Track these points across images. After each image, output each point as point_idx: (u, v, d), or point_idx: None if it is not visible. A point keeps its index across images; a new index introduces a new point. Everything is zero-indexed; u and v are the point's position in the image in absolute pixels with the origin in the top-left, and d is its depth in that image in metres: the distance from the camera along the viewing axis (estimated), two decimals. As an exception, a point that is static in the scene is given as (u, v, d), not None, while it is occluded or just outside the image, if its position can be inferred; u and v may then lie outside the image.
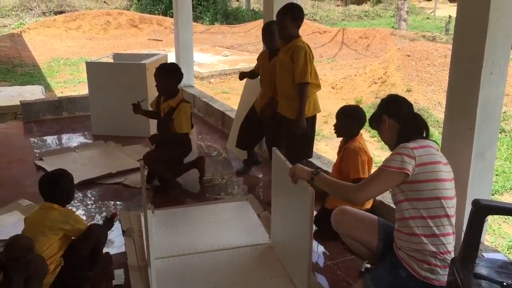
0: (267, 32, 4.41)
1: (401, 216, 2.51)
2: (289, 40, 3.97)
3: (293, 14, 3.93)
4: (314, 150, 4.38)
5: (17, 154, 5.47)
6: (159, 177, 4.59)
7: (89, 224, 3.20)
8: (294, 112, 3.93)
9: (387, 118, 2.64)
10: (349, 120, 3.65)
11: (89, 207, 4.25)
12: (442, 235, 2.45)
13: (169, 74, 4.32)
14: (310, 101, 4.00)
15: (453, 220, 2.51)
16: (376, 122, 2.73)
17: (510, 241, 4.61)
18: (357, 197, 2.47)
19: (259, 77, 4.66)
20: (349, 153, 3.59)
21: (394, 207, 2.59)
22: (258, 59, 4.70)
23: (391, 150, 2.59)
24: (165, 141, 4.42)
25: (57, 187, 3.08)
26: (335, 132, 3.75)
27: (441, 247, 2.45)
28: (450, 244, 2.50)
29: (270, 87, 4.36)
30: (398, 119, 2.62)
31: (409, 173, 2.38)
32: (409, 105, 2.70)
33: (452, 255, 2.51)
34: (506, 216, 4.91)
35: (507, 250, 4.46)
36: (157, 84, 4.35)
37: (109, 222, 3.38)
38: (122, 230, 3.73)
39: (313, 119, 4.11)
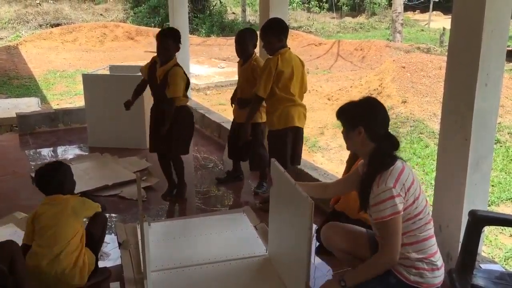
0: (237, 41, 4.47)
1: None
2: (273, 53, 4.04)
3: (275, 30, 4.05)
4: (311, 161, 4.38)
5: (12, 166, 5.45)
6: (177, 173, 4.59)
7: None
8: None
9: (363, 131, 2.49)
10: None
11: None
12: (425, 239, 2.47)
13: (173, 38, 4.29)
14: (281, 113, 4.05)
15: (432, 222, 2.52)
16: (347, 125, 2.56)
17: (507, 252, 4.60)
18: (390, 258, 2.40)
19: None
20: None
21: None
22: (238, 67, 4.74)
23: (359, 155, 2.61)
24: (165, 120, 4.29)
25: (58, 176, 3.13)
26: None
27: (426, 251, 2.46)
28: (434, 245, 2.51)
29: (242, 93, 4.51)
30: (375, 138, 2.49)
31: (402, 212, 2.37)
32: (388, 121, 2.58)
33: (438, 254, 2.52)
34: (503, 227, 4.91)
35: (504, 261, 4.46)
36: (158, 46, 4.27)
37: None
38: (118, 243, 3.70)
39: (285, 131, 4.12)
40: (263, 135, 4.55)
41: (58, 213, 3.03)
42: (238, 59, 4.66)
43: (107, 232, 3.97)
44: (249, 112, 4.19)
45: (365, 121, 2.49)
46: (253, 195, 4.71)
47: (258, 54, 4.59)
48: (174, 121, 4.28)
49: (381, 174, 2.40)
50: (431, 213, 2.54)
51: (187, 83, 4.40)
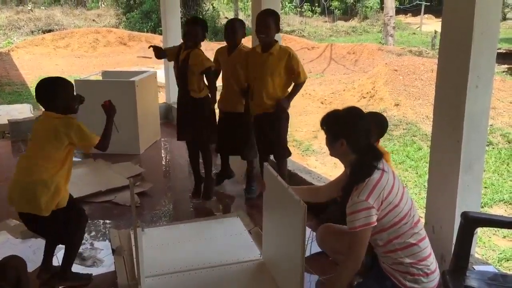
0: (231, 28, 4.50)
1: (375, 243, 2.54)
2: (271, 45, 4.15)
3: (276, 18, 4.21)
4: (305, 164, 4.39)
5: (4, 173, 5.42)
6: (206, 165, 4.65)
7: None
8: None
9: (344, 143, 2.50)
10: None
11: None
12: (416, 243, 2.48)
13: (202, 26, 4.40)
14: None
15: (421, 223, 2.54)
16: (330, 136, 2.58)
17: (500, 254, 4.62)
18: (353, 264, 2.44)
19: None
20: None
21: None
22: (216, 57, 4.72)
23: (342, 164, 2.63)
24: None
25: (54, 92, 3.06)
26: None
27: (418, 255, 2.47)
28: (427, 248, 2.52)
29: (237, 82, 4.49)
30: (357, 150, 2.51)
31: (375, 223, 2.40)
32: (368, 132, 2.59)
33: (432, 257, 2.53)
34: (496, 228, 4.93)
35: (498, 262, 4.47)
36: (187, 32, 4.35)
37: (109, 111, 3.35)
38: (112, 249, 3.69)
39: None
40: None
41: (41, 129, 3.08)
42: None
43: (101, 238, 3.97)
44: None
45: (347, 133, 2.51)
46: (245, 197, 4.72)
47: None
48: (201, 110, 4.42)
49: (357, 186, 2.43)
50: (416, 216, 2.54)
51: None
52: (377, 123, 3.29)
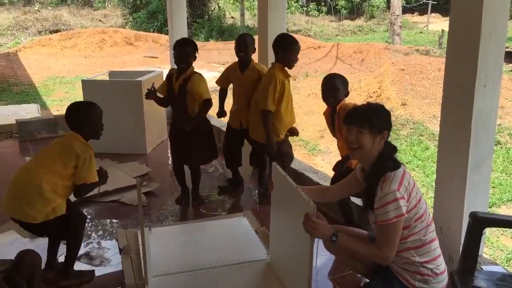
0: (243, 43, 4.45)
1: None
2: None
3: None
4: (311, 164, 4.39)
5: (12, 173, 5.40)
6: (194, 181, 4.62)
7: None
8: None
9: (386, 135, 2.50)
10: (343, 88, 3.67)
11: (86, 225, 4.22)
12: (429, 242, 2.47)
13: (192, 46, 4.32)
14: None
15: (433, 223, 2.53)
16: (373, 129, 2.46)
17: (509, 254, 4.60)
18: (386, 257, 2.41)
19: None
20: (344, 111, 3.52)
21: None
22: (226, 75, 4.72)
23: (360, 159, 2.57)
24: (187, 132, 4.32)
25: (81, 115, 3.19)
26: (328, 102, 3.74)
27: (430, 254, 2.46)
28: (437, 248, 2.51)
29: (248, 99, 4.46)
30: (386, 141, 2.52)
31: (406, 214, 2.37)
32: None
33: (441, 258, 2.51)
34: (504, 229, 4.91)
35: (506, 262, 4.45)
36: (178, 54, 4.26)
37: (102, 176, 3.36)
38: (119, 248, 3.70)
39: None
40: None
41: (59, 143, 3.19)
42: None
43: (108, 238, 3.98)
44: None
45: (389, 124, 2.54)
46: (256, 198, 4.74)
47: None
48: (202, 131, 4.39)
49: (384, 177, 2.41)
50: (431, 215, 2.54)
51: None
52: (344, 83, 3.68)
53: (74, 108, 3.26)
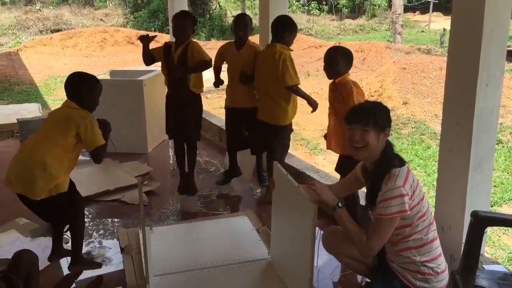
0: (243, 22, 4.48)
1: (390, 239, 2.48)
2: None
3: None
4: (312, 163, 4.39)
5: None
6: (191, 162, 4.69)
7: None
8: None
9: (388, 132, 2.51)
10: (342, 60, 3.64)
11: (87, 224, 4.22)
12: (431, 242, 2.46)
13: (191, 19, 4.36)
14: (294, 106, 4.34)
15: (435, 222, 2.52)
16: (377, 126, 2.46)
17: (510, 253, 4.59)
18: (370, 249, 2.41)
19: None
20: (342, 87, 3.59)
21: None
22: (221, 53, 4.70)
23: (363, 158, 2.56)
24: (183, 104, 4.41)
25: (79, 86, 3.19)
26: (328, 74, 3.74)
27: (431, 254, 2.46)
28: (438, 247, 2.51)
29: (240, 78, 4.44)
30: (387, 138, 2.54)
31: (408, 212, 2.36)
32: None
33: (442, 257, 2.51)
34: (505, 228, 4.90)
35: (508, 261, 4.44)
36: (178, 29, 4.30)
37: (105, 126, 3.38)
38: (121, 248, 3.70)
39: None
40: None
41: (55, 115, 3.20)
42: None
43: (109, 237, 3.99)
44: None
45: (390, 121, 2.54)
46: (253, 195, 4.74)
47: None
48: (193, 107, 4.44)
49: (389, 174, 2.40)
50: (433, 214, 2.53)
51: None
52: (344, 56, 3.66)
53: (79, 78, 3.24)
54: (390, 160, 2.45)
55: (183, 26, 4.29)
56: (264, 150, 4.63)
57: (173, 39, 4.50)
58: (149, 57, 4.50)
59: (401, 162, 2.46)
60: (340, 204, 2.50)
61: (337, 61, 3.63)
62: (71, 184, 3.31)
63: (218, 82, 4.69)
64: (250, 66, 4.40)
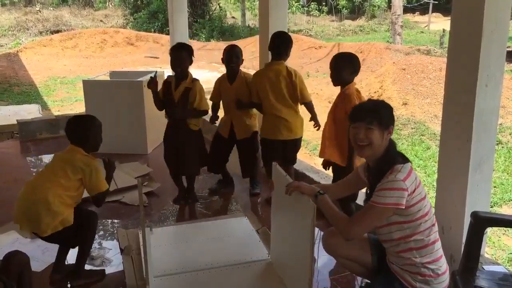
0: (235, 55, 4.49)
1: (390, 238, 2.49)
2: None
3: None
4: (312, 164, 4.40)
5: (14, 173, 5.45)
6: (190, 183, 4.70)
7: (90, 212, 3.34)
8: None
9: (392, 130, 2.51)
10: (347, 68, 3.63)
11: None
12: (432, 243, 2.46)
13: (187, 50, 4.36)
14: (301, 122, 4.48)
15: (436, 224, 2.52)
16: (381, 125, 2.46)
17: (510, 253, 4.59)
18: (349, 232, 2.41)
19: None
20: (346, 96, 3.57)
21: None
22: (217, 88, 4.72)
23: (366, 156, 2.54)
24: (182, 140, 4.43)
25: (80, 130, 3.23)
26: (333, 80, 3.73)
27: (432, 255, 2.45)
28: (440, 249, 2.50)
29: (237, 106, 4.49)
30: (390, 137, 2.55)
31: (403, 207, 2.35)
32: None
33: (443, 258, 2.50)
34: (505, 228, 4.90)
35: (508, 262, 4.44)
36: (175, 62, 4.29)
37: (110, 167, 3.45)
38: (120, 249, 3.70)
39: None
40: (258, 143, 4.66)
41: (61, 158, 3.23)
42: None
43: (109, 238, 3.98)
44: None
45: (393, 120, 2.54)
46: (252, 197, 4.74)
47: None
48: (193, 145, 4.45)
49: (392, 169, 2.40)
50: (434, 216, 2.53)
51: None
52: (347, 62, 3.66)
53: (76, 122, 3.29)
54: (394, 158, 2.46)
55: (180, 59, 4.29)
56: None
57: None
58: (160, 102, 4.49)
59: (405, 160, 2.47)
60: (321, 191, 2.55)
61: (341, 68, 3.63)
62: (79, 207, 3.31)
63: (214, 119, 4.74)
64: (244, 95, 4.47)
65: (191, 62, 4.38)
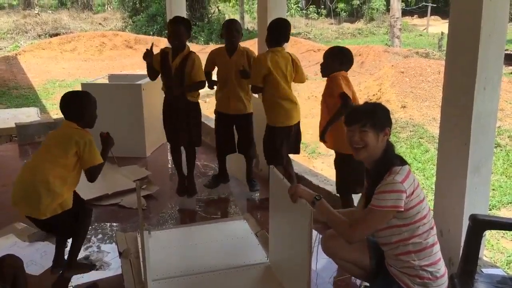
0: (235, 29, 4.49)
1: (388, 241, 2.49)
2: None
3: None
4: (311, 167, 4.40)
5: (12, 177, 5.37)
6: (190, 166, 4.73)
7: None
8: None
9: (388, 132, 2.52)
10: (334, 59, 3.69)
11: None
12: (431, 246, 2.46)
13: (185, 25, 4.36)
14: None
15: (435, 227, 2.52)
16: (376, 127, 2.47)
17: (509, 256, 4.59)
18: (351, 236, 2.44)
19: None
20: (331, 81, 3.67)
21: None
22: (212, 59, 4.67)
23: (364, 159, 2.55)
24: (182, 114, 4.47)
25: (76, 105, 3.24)
26: (321, 72, 3.81)
27: (430, 258, 2.45)
28: (438, 252, 2.50)
29: (238, 83, 4.49)
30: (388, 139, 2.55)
31: (402, 209, 2.36)
32: None
33: (442, 261, 2.50)
34: (504, 231, 4.90)
35: (506, 265, 4.44)
36: (173, 35, 4.30)
37: (107, 141, 3.44)
38: (119, 252, 3.69)
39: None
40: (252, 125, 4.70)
41: (56, 135, 3.24)
42: None
43: (107, 241, 3.98)
44: None
45: (389, 121, 2.55)
46: (250, 200, 4.75)
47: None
48: (193, 116, 4.50)
49: (390, 171, 2.41)
50: (433, 219, 2.53)
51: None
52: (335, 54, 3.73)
53: (72, 98, 3.30)
54: (392, 159, 2.47)
55: (178, 32, 4.29)
56: (254, 154, 4.77)
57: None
58: (153, 73, 4.54)
59: (403, 162, 2.47)
60: (317, 197, 2.56)
61: (329, 59, 3.72)
62: (78, 198, 3.35)
63: (212, 84, 4.68)
64: (245, 67, 4.44)
65: (188, 36, 4.40)
